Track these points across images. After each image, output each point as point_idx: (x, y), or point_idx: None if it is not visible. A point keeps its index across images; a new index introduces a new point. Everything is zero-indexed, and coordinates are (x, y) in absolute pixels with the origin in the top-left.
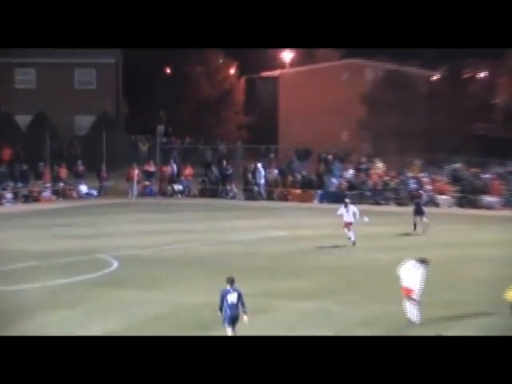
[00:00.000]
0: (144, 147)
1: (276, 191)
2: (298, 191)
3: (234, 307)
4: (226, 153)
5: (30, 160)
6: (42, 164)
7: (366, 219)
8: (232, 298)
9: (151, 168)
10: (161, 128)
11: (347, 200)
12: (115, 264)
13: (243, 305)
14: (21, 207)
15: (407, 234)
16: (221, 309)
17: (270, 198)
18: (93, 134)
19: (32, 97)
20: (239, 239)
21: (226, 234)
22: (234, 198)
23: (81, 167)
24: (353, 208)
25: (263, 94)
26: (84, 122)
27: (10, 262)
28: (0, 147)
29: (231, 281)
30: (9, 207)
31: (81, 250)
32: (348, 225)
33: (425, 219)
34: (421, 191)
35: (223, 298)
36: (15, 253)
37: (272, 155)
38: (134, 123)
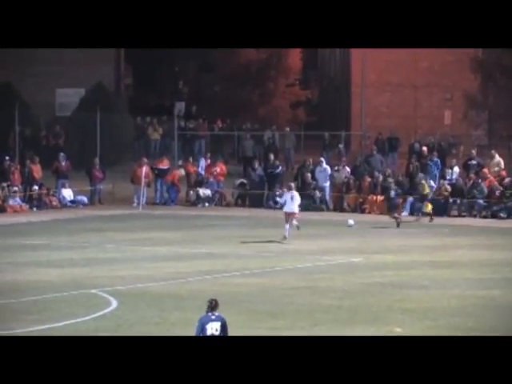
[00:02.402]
0: (156, 134)
1: (347, 198)
2: (380, 198)
3: None
4: (274, 143)
5: None
6: (7, 158)
7: (350, 222)
8: (213, 328)
9: (164, 165)
10: (180, 106)
11: (292, 184)
12: (114, 303)
13: None
14: None
15: None
16: None
17: (338, 208)
18: (82, 116)
19: None
20: (293, 267)
21: (274, 260)
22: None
23: (64, 163)
24: (296, 195)
25: (329, 58)
26: (69, 97)
27: None
28: None
29: (213, 305)
30: None
31: (64, 282)
32: (290, 215)
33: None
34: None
35: (202, 327)
36: None
37: (341, 146)
38: (141, 99)
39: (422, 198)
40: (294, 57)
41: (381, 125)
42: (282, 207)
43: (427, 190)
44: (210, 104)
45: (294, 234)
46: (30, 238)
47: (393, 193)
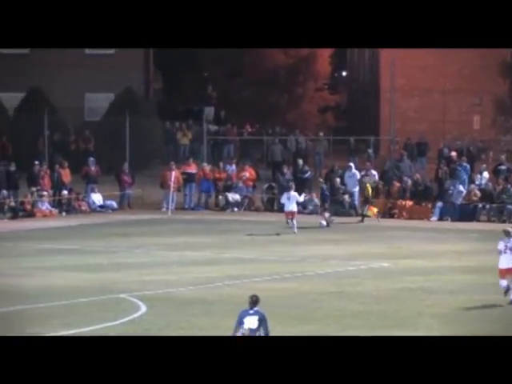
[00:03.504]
0: (185, 139)
1: (376, 203)
2: (409, 203)
3: (251, 334)
4: (303, 147)
5: (19, 157)
6: (37, 163)
7: (323, 223)
8: (250, 322)
9: (192, 168)
10: (209, 111)
11: (291, 184)
12: (142, 308)
13: (267, 334)
14: (7, 225)
15: None
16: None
17: (366, 212)
18: (111, 120)
19: (24, 66)
20: (322, 272)
21: (302, 266)
22: (314, 212)
23: (93, 168)
24: (295, 195)
25: (357, 63)
26: (98, 102)
27: None
28: None
29: (253, 301)
30: None
31: (93, 287)
32: (291, 214)
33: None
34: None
35: (239, 321)
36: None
37: (370, 151)
38: (170, 104)
39: (365, 201)
40: (323, 61)
41: (410, 130)
42: (282, 207)
43: (370, 193)
44: (239, 109)
45: (322, 238)
46: (59, 243)
47: (324, 187)
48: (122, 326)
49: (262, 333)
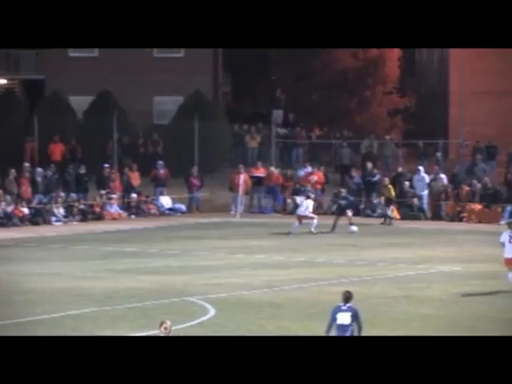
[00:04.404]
0: (254, 142)
1: (445, 207)
2: (478, 207)
3: (343, 330)
4: (371, 151)
5: (89, 160)
6: (106, 166)
7: (354, 228)
8: (343, 318)
9: (260, 172)
10: (278, 114)
11: (311, 193)
12: (211, 311)
13: (360, 329)
14: (76, 228)
15: None
16: (328, 330)
17: (435, 216)
18: (180, 124)
19: (93, 69)
20: (390, 276)
21: (370, 269)
22: (383, 215)
23: (162, 171)
24: (308, 202)
25: (427, 66)
26: (167, 105)
27: (61, 307)
28: (47, 141)
29: (346, 296)
30: (59, 228)
31: (162, 290)
32: (302, 218)
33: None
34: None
35: (333, 316)
36: (67, 294)
37: (439, 154)
38: (238, 107)
39: (388, 202)
40: (392, 64)
41: (479, 133)
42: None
43: (393, 194)
44: (308, 112)
45: (390, 242)
46: (127, 246)
47: (343, 202)
48: (190, 328)
49: (355, 329)
